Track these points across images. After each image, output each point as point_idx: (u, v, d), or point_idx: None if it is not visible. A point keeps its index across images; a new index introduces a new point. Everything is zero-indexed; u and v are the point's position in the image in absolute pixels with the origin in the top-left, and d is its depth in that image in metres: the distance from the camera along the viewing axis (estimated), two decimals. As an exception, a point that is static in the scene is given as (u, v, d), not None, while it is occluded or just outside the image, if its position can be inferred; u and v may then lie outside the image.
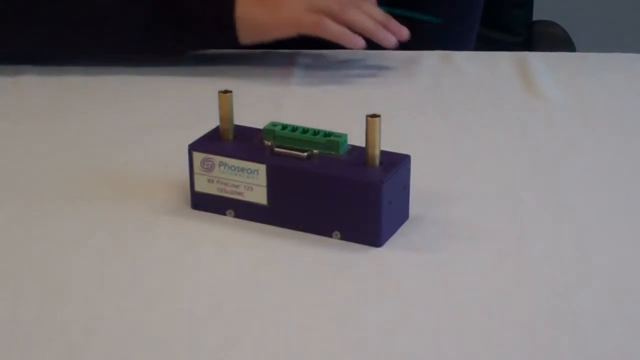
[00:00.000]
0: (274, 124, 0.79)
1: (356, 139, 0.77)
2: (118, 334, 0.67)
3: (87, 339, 0.66)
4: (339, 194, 0.75)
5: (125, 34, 1.05)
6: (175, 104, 1.01)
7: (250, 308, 0.70)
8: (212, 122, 0.81)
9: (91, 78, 1.05)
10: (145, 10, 1.04)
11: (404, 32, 1.06)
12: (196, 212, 0.80)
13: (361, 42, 1.03)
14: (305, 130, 0.78)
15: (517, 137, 0.95)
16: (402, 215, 0.78)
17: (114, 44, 1.06)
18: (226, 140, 0.80)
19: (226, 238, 0.77)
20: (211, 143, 0.79)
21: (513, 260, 0.75)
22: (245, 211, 0.78)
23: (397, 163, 0.76)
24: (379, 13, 1.06)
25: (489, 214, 0.81)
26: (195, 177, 0.79)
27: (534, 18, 1.44)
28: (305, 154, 0.77)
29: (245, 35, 1.05)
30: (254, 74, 1.06)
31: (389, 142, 0.76)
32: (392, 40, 1.05)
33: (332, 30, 1.02)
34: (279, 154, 0.77)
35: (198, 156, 0.78)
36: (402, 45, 1.09)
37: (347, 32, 1.03)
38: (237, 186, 0.78)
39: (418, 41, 1.09)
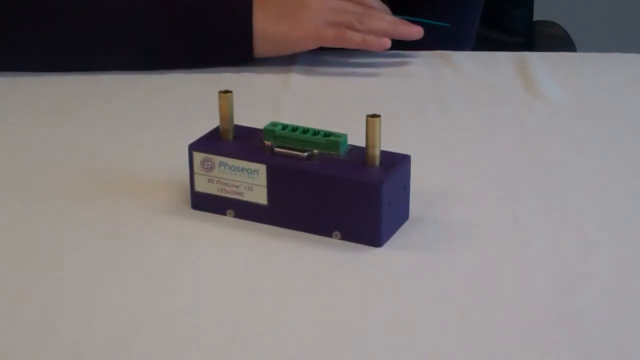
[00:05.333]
0: (274, 124, 0.79)
1: (356, 139, 0.77)
2: (118, 334, 0.67)
3: (87, 339, 0.66)
4: (339, 194, 0.75)
5: (138, 49, 1.05)
6: (175, 104, 1.01)
7: (250, 308, 0.70)
8: (212, 122, 0.81)
9: (91, 77, 1.05)
10: (159, 23, 1.04)
11: (418, 28, 1.08)
12: (196, 212, 0.80)
13: (387, 42, 1.05)
14: (305, 130, 0.78)
15: (517, 137, 0.95)
16: (402, 215, 0.78)
17: (123, 60, 1.05)
18: (226, 140, 0.80)
19: (226, 238, 0.77)
20: (211, 143, 0.79)
21: (513, 260, 0.75)
22: (245, 211, 0.78)
23: (397, 163, 0.76)
24: (391, 17, 1.09)
25: (489, 214, 0.81)
26: (195, 177, 0.79)
27: (534, 18, 1.44)
28: (305, 154, 0.77)
29: (262, 50, 1.06)
30: (254, 74, 1.06)
31: (389, 142, 0.76)
32: (414, 32, 1.07)
33: (355, 39, 1.05)
34: (279, 154, 0.77)
35: (198, 156, 0.78)
36: (401, 46, 1.10)
37: (370, 37, 1.05)
38: (237, 186, 0.78)
39: (418, 41, 1.10)
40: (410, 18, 1.09)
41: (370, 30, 1.06)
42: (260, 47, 1.05)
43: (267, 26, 1.05)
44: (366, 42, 1.05)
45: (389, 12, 1.11)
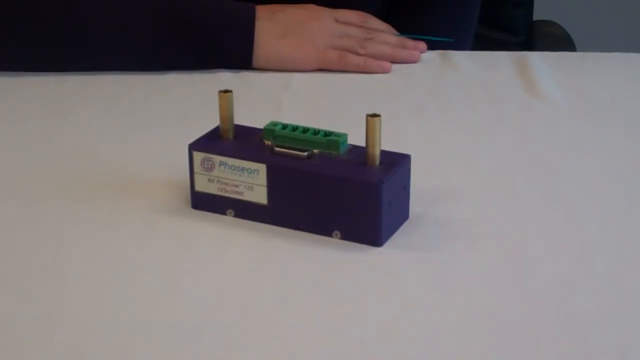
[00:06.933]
0: (274, 124, 0.79)
1: (356, 139, 0.77)
2: (118, 334, 0.67)
3: (87, 338, 0.66)
4: (339, 194, 0.75)
5: (138, 51, 1.05)
6: (175, 104, 1.01)
7: (250, 308, 0.70)
8: (212, 122, 0.81)
9: (91, 78, 1.05)
10: (162, 30, 1.05)
11: (421, 45, 1.11)
12: (196, 211, 0.80)
13: (388, 65, 1.08)
14: (305, 130, 0.78)
15: (517, 136, 0.95)
16: (402, 215, 0.78)
17: (124, 61, 1.06)
18: (226, 140, 0.80)
19: (226, 238, 0.77)
20: (211, 143, 0.79)
21: (513, 260, 0.75)
22: (245, 211, 0.78)
23: (397, 163, 0.76)
24: (393, 39, 1.11)
25: (489, 214, 0.81)
26: (196, 176, 0.79)
27: (534, 18, 1.44)
28: (306, 153, 0.77)
29: (262, 63, 1.07)
30: (254, 74, 1.06)
31: (389, 142, 0.76)
32: (415, 56, 1.10)
33: (356, 62, 1.07)
34: (279, 154, 0.77)
35: (198, 156, 0.78)
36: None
37: (371, 60, 1.08)
38: (237, 186, 0.78)
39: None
40: (414, 36, 1.11)
41: (372, 54, 1.08)
42: (261, 60, 1.06)
43: (269, 42, 1.06)
44: (367, 66, 1.07)
45: (394, 31, 1.12)
